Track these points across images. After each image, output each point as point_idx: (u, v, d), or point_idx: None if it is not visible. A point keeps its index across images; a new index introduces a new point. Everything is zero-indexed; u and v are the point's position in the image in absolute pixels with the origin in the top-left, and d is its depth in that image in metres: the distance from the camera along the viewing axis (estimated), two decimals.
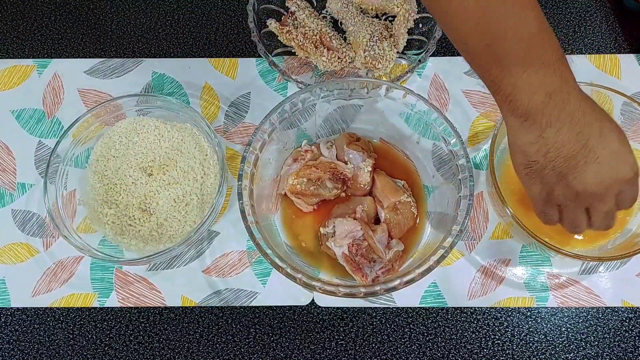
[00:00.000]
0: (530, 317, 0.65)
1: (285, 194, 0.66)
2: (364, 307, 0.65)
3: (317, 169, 0.65)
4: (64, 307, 0.66)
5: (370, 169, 0.66)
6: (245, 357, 0.64)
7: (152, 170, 0.67)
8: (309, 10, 0.75)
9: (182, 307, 0.66)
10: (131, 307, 0.66)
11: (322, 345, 0.64)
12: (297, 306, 0.65)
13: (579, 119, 0.46)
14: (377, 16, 0.77)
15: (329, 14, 0.77)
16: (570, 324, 0.64)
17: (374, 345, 0.64)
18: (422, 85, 0.75)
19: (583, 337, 0.64)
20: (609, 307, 0.65)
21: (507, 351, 0.63)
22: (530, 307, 0.65)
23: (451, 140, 0.61)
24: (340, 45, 0.73)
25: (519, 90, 0.46)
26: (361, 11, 0.76)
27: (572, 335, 0.64)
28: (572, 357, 0.63)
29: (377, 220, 0.66)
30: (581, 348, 0.63)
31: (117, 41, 0.78)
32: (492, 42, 0.46)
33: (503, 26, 0.45)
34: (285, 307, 0.65)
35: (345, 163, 0.67)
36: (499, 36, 0.45)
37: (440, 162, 0.66)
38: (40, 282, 0.66)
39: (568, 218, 0.53)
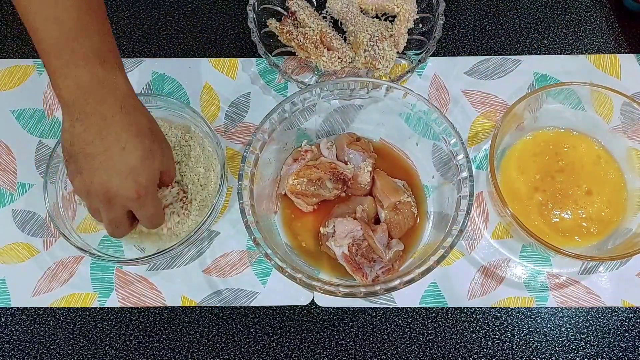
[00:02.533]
0: (530, 317, 0.65)
1: (285, 194, 0.66)
2: (364, 307, 0.65)
3: (317, 169, 0.65)
4: (64, 307, 0.66)
5: (370, 169, 0.66)
6: (245, 357, 0.64)
7: None
8: (309, 10, 0.75)
9: (182, 307, 0.66)
10: (131, 307, 0.66)
11: (322, 345, 0.64)
12: (297, 306, 0.65)
13: (109, 125, 0.49)
14: (377, 16, 0.77)
15: (329, 14, 0.77)
16: (570, 324, 0.64)
17: (374, 345, 0.64)
18: (422, 85, 0.75)
19: (583, 337, 0.64)
20: (608, 307, 0.65)
21: (507, 351, 0.63)
22: (530, 307, 0.65)
23: (451, 140, 0.61)
24: (340, 45, 0.73)
25: (54, 75, 0.49)
26: (361, 11, 0.76)
27: (572, 335, 0.64)
28: (572, 357, 0.63)
29: (377, 220, 0.66)
30: (581, 348, 0.63)
31: (117, 41, 0.78)
32: (31, 28, 0.48)
33: (40, 15, 0.47)
34: (285, 307, 0.65)
35: (345, 163, 0.67)
36: (35, 25, 0.47)
37: (440, 162, 0.66)
38: (40, 282, 0.66)
39: (90, 209, 0.56)
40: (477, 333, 0.64)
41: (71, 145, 0.51)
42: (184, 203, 0.65)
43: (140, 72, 0.76)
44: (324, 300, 0.65)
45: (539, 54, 0.77)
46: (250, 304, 0.65)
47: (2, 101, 0.75)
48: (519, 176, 0.67)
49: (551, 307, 0.65)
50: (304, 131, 0.70)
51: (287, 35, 0.73)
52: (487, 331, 0.64)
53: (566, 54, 0.77)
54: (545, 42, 0.78)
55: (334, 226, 0.63)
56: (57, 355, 0.64)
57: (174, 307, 0.66)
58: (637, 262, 0.66)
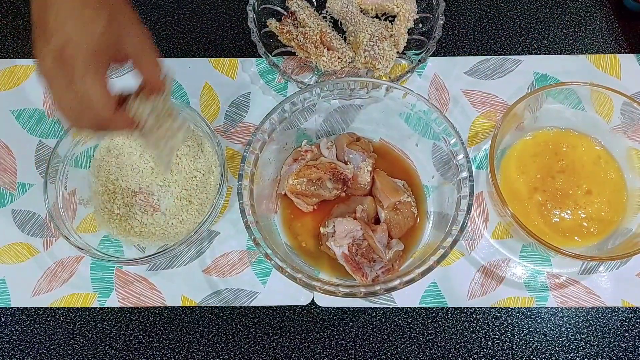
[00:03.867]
0: (530, 317, 0.65)
1: (285, 194, 0.66)
2: (364, 307, 0.65)
3: (317, 169, 0.65)
4: (64, 307, 0.66)
5: (370, 169, 0.66)
6: (245, 357, 0.64)
7: (153, 170, 0.67)
8: (309, 10, 0.75)
9: (182, 307, 0.66)
10: (131, 307, 0.66)
11: (322, 345, 0.64)
12: (297, 306, 0.65)
13: None
14: (377, 16, 0.77)
15: (329, 14, 0.77)
16: (570, 324, 0.64)
17: (374, 345, 0.64)
18: (422, 85, 0.75)
19: (583, 337, 0.64)
20: (609, 307, 0.65)
21: (507, 351, 0.63)
22: (530, 307, 0.65)
23: (451, 140, 0.61)
24: (340, 45, 0.73)
25: None
26: (361, 11, 0.76)
27: (572, 335, 0.64)
28: (572, 357, 0.63)
29: (377, 220, 0.66)
30: (581, 348, 0.63)
31: None
32: None
33: None
34: (285, 307, 0.65)
35: (345, 163, 0.67)
36: None
37: (440, 162, 0.66)
38: (40, 282, 0.66)
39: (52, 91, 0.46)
40: (477, 333, 0.64)
41: (32, 20, 0.45)
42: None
43: None
44: (324, 300, 0.65)
45: (539, 54, 0.77)
46: (250, 304, 0.65)
47: (2, 101, 0.75)
48: (519, 176, 0.67)
49: (551, 307, 0.65)
50: (304, 131, 0.70)
51: (287, 35, 0.73)
52: (487, 331, 0.64)
53: (566, 54, 0.77)
54: (545, 42, 0.78)
55: (334, 226, 0.63)
56: (57, 355, 0.64)
57: (174, 307, 0.66)
58: (637, 262, 0.66)
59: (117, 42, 0.46)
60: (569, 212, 0.65)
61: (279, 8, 0.77)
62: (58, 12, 0.44)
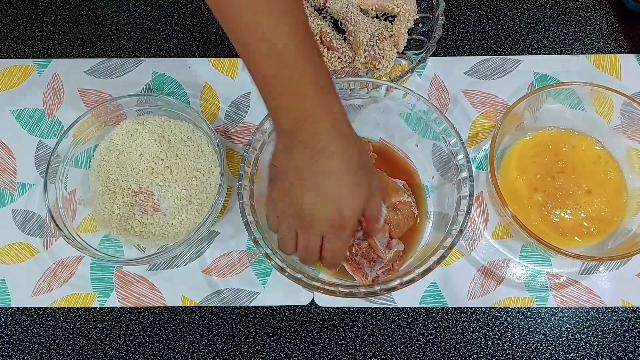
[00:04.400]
0: (530, 317, 0.65)
1: None
2: (364, 307, 0.65)
3: None
4: (64, 307, 0.66)
5: None
6: (245, 357, 0.64)
7: (153, 170, 0.67)
8: (309, 10, 0.75)
9: (182, 307, 0.66)
10: (131, 307, 0.66)
11: (322, 345, 0.64)
12: (297, 306, 0.65)
13: (322, 153, 0.48)
14: (377, 16, 0.77)
15: (329, 14, 0.77)
16: (570, 324, 0.64)
17: (374, 345, 0.64)
18: (422, 85, 0.75)
19: (583, 337, 0.64)
20: (609, 307, 0.65)
21: (507, 351, 0.63)
22: (530, 307, 0.65)
23: (451, 140, 0.61)
24: (340, 45, 0.73)
25: (270, 102, 0.49)
26: (361, 11, 0.76)
27: (572, 335, 0.64)
28: (572, 357, 0.63)
29: None
30: (581, 348, 0.63)
31: (117, 41, 0.79)
32: (243, 50, 0.47)
33: (252, 36, 0.45)
34: (285, 307, 0.65)
35: None
36: (248, 44, 0.46)
37: (440, 162, 0.66)
38: (40, 282, 0.66)
39: (283, 234, 0.53)
40: (477, 333, 0.64)
41: (283, 167, 0.50)
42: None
43: (140, 72, 0.76)
44: (324, 300, 0.65)
45: (539, 54, 0.77)
46: (250, 304, 0.65)
47: (2, 101, 0.75)
48: (519, 176, 0.67)
49: (551, 307, 0.65)
50: None
51: None
52: (487, 331, 0.64)
53: (566, 54, 0.77)
54: (545, 42, 0.78)
55: None
56: (57, 355, 0.64)
57: (174, 307, 0.66)
58: (637, 262, 0.66)
59: (368, 196, 0.51)
60: (569, 212, 0.65)
61: None
62: (328, 170, 0.48)
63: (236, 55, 0.77)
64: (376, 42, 0.71)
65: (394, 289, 0.55)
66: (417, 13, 0.75)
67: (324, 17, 0.77)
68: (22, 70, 0.76)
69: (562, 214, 0.65)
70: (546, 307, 0.65)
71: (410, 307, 0.65)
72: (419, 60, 0.70)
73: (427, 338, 0.64)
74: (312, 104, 0.47)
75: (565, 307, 0.65)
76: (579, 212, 0.65)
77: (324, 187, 0.48)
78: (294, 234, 0.52)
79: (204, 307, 0.65)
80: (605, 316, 0.64)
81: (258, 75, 0.47)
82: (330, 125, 0.48)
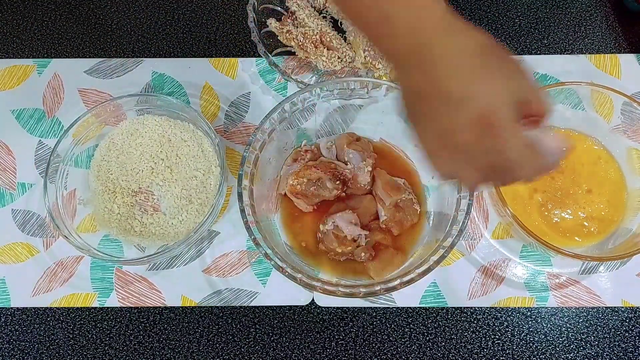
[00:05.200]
0: (530, 317, 0.65)
1: (285, 194, 0.66)
2: (364, 307, 0.65)
3: (317, 169, 0.65)
4: (64, 307, 0.66)
5: (370, 168, 0.66)
6: (245, 357, 0.64)
7: (153, 170, 0.67)
8: (309, 10, 0.75)
9: (182, 307, 0.66)
10: (131, 307, 0.66)
11: (322, 345, 0.64)
12: (297, 306, 0.65)
13: (443, 57, 0.42)
14: None
15: (329, 14, 0.77)
16: (570, 324, 0.64)
17: (374, 345, 0.64)
18: None
19: (583, 337, 0.64)
20: (609, 307, 0.65)
21: (507, 351, 0.63)
22: (530, 307, 0.65)
23: None
24: (340, 45, 0.73)
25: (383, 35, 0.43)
26: None
27: (572, 335, 0.64)
28: (572, 357, 0.63)
29: (376, 218, 0.66)
30: (581, 348, 0.63)
31: (117, 41, 0.79)
32: None
33: None
34: (285, 307, 0.65)
35: (345, 163, 0.67)
36: None
37: None
38: (40, 282, 0.66)
39: (461, 174, 0.45)
40: (477, 333, 0.64)
41: (406, 97, 0.44)
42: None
43: (140, 72, 0.76)
44: (324, 300, 0.65)
45: (539, 54, 0.77)
46: (250, 304, 0.65)
47: (2, 101, 0.75)
48: None
49: (551, 307, 0.65)
50: (304, 131, 0.70)
51: (287, 35, 0.73)
52: (487, 331, 0.64)
53: (566, 54, 0.77)
54: (545, 42, 0.78)
55: (334, 223, 0.63)
56: (57, 355, 0.64)
57: (174, 307, 0.66)
58: (637, 262, 0.66)
59: (514, 88, 0.42)
60: (569, 212, 0.65)
61: (279, 8, 0.77)
62: (460, 79, 0.41)
63: (236, 55, 0.77)
64: None
65: (394, 288, 0.55)
66: None
67: (324, 17, 0.77)
68: (22, 70, 0.76)
69: (562, 214, 0.65)
70: (546, 307, 0.65)
71: (410, 307, 0.65)
72: None
73: (427, 338, 0.64)
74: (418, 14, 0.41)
75: (565, 307, 0.65)
76: (579, 212, 0.65)
77: (450, 94, 0.41)
78: (467, 165, 0.43)
79: (204, 307, 0.65)
80: (605, 316, 0.64)
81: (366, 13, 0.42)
82: (439, 24, 0.42)
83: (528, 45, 0.77)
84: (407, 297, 0.65)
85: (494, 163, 0.42)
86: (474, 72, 0.41)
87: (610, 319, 0.64)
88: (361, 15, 0.44)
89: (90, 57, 0.77)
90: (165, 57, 0.77)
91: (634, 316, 0.64)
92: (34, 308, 0.66)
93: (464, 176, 0.44)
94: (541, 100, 0.43)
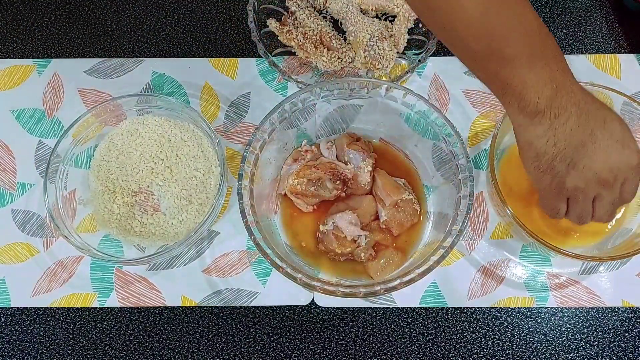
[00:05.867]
0: (530, 317, 0.65)
1: (285, 194, 0.66)
2: (364, 307, 0.65)
3: (317, 169, 0.65)
4: (64, 307, 0.66)
5: (370, 168, 0.66)
6: (245, 357, 0.64)
7: (153, 170, 0.67)
8: (309, 10, 0.75)
9: (182, 307, 0.66)
10: (131, 307, 0.66)
11: (322, 345, 0.64)
12: (297, 306, 0.65)
13: (583, 109, 0.48)
14: (377, 16, 0.77)
15: (329, 14, 0.77)
16: (570, 324, 0.64)
17: (374, 345, 0.64)
18: (422, 85, 0.75)
19: (583, 337, 0.64)
20: (609, 307, 0.65)
21: (507, 351, 0.63)
22: (530, 307, 0.65)
23: (451, 140, 0.61)
24: (340, 45, 0.73)
25: (529, 88, 0.47)
26: (361, 11, 0.76)
27: (572, 335, 0.64)
28: (572, 357, 0.63)
29: (377, 219, 0.66)
30: (581, 348, 0.63)
31: (117, 41, 0.79)
32: (498, 43, 0.46)
33: (507, 26, 0.46)
34: (285, 307, 0.65)
35: (345, 163, 0.67)
36: (503, 36, 0.46)
37: (440, 162, 0.66)
38: (40, 282, 0.66)
39: (576, 209, 0.54)
40: (477, 333, 0.64)
41: (554, 146, 0.49)
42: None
43: (140, 72, 0.76)
44: (324, 300, 0.65)
45: None
46: (250, 304, 0.65)
47: (2, 101, 0.75)
48: (519, 176, 0.67)
49: (551, 307, 0.65)
50: (304, 131, 0.70)
51: (287, 35, 0.73)
52: (487, 331, 0.64)
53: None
54: None
55: (334, 223, 0.63)
56: (57, 355, 0.64)
57: (174, 307, 0.66)
58: (637, 262, 0.66)
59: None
60: None
61: (279, 8, 0.77)
62: (598, 132, 0.49)
63: (236, 55, 0.77)
64: (376, 42, 0.71)
65: (394, 288, 0.55)
66: None
67: (324, 17, 0.77)
68: (22, 70, 0.76)
69: None
70: (546, 307, 0.65)
71: (410, 307, 0.65)
72: (419, 60, 0.70)
73: (427, 338, 0.64)
74: (561, 69, 0.48)
75: (565, 307, 0.65)
76: None
77: (603, 140, 0.49)
78: (590, 206, 0.53)
79: (204, 307, 0.65)
80: (605, 316, 0.64)
81: (511, 62, 0.47)
82: (577, 84, 0.49)
83: None
84: (407, 297, 0.65)
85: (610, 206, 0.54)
86: (618, 140, 0.50)
87: (610, 319, 0.64)
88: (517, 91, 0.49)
89: (90, 57, 0.77)
90: (165, 57, 0.77)
91: (634, 316, 0.64)
92: (34, 308, 0.66)
93: (584, 213, 0.55)
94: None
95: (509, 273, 0.66)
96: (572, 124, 0.48)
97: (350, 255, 0.64)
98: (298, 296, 0.65)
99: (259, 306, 0.65)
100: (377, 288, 0.55)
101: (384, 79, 0.73)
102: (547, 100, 0.47)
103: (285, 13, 0.76)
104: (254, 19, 0.71)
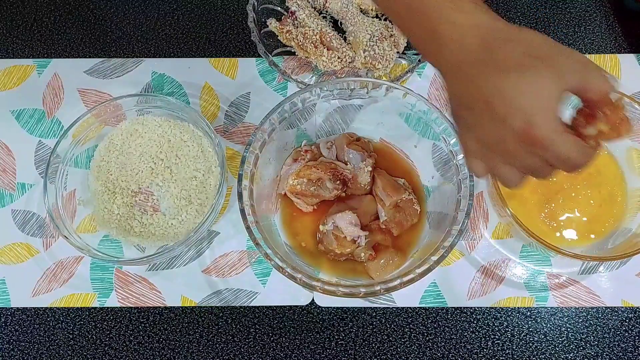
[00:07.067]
0: (530, 317, 0.65)
1: (285, 194, 0.66)
2: (364, 307, 0.65)
3: (317, 169, 0.65)
4: (64, 307, 0.66)
5: (370, 168, 0.66)
6: (245, 357, 0.64)
7: (153, 170, 0.67)
8: (309, 10, 0.75)
9: (182, 307, 0.66)
10: (131, 307, 0.66)
11: (322, 345, 0.64)
12: (297, 306, 0.65)
13: (487, 62, 0.42)
14: (377, 16, 0.77)
15: (329, 14, 0.77)
16: (570, 324, 0.64)
17: (374, 345, 0.64)
18: (422, 85, 0.74)
19: (583, 337, 0.64)
20: (609, 307, 0.65)
21: (507, 351, 0.63)
22: (530, 307, 0.65)
23: (451, 140, 0.61)
24: (340, 45, 0.73)
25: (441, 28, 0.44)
26: (361, 11, 0.76)
27: (572, 335, 0.64)
28: (572, 357, 0.63)
29: (377, 219, 0.66)
30: (581, 348, 0.63)
31: (117, 41, 0.78)
32: None
33: None
34: (285, 307, 0.65)
35: (345, 163, 0.67)
36: None
37: (440, 162, 0.66)
38: (40, 282, 0.66)
39: (499, 174, 0.46)
40: (477, 333, 0.64)
41: (453, 101, 0.45)
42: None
43: (140, 72, 0.76)
44: (324, 300, 0.65)
45: None
46: (250, 304, 0.65)
47: (2, 101, 0.74)
48: None
49: (551, 307, 0.65)
50: (304, 131, 0.70)
51: (287, 35, 0.73)
52: (487, 331, 0.64)
53: None
54: None
55: (334, 223, 0.63)
56: (57, 355, 0.64)
57: (173, 307, 0.66)
58: (637, 262, 0.66)
59: (560, 83, 0.42)
60: (569, 212, 0.65)
61: (279, 8, 0.77)
62: (503, 97, 0.41)
63: (236, 55, 0.77)
64: (376, 42, 0.71)
65: (394, 288, 0.55)
66: None
67: (324, 17, 0.77)
68: (22, 70, 0.76)
69: (562, 214, 0.65)
70: (546, 307, 0.65)
71: (410, 307, 0.65)
72: (419, 60, 0.70)
73: (427, 338, 0.64)
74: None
75: (565, 307, 0.65)
76: (579, 212, 0.65)
77: (492, 108, 0.41)
78: (505, 165, 0.45)
79: (204, 307, 0.65)
80: (605, 316, 0.64)
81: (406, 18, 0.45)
82: (479, 40, 0.42)
83: None
84: (407, 297, 0.65)
85: (536, 166, 0.43)
86: (517, 86, 0.41)
87: (610, 319, 0.64)
88: (411, 31, 0.46)
89: (90, 57, 0.77)
90: (165, 57, 0.77)
91: (634, 316, 0.64)
92: (34, 308, 0.66)
93: (504, 177, 0.46)
94: (597, 82, 0.43)
95: (509, 273, 0.66)
96: (480, 74, 0.42)
97: (350, 255, 0.64)
98: (298, 296, 0.65)
99: (259, 306, 0.65)
100: (377, 288, 0.55)
101: (384, 79, 0.73)
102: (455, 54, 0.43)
103: (285, 13, 0.76)
104: (254, 19, 0.71)
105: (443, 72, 0.46)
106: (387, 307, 0.65)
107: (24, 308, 0.66)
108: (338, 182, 0.66)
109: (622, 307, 0.65)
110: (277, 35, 0.74)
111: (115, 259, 0.63)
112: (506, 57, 0.42)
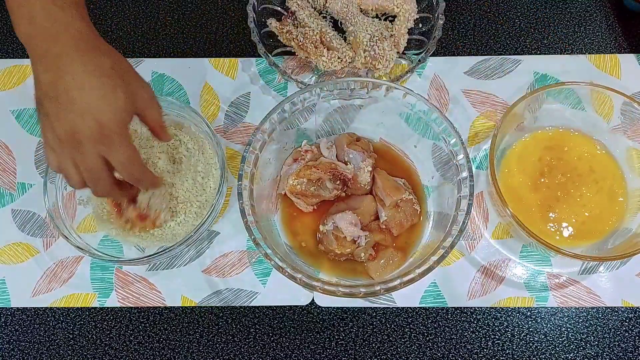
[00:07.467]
0: (530, 317, 0.65)
1: (285, 194, 0.66)
2: (364, 307, 0.65)
3: (318, 169, 0.65)
4: (64, 307, 0.66)
5: (370, 168, 0.66)
6: (245, 357, 0.64)
7: (153, 170, 0.67)
8: (309, 10, 0.75)
9: (182, 307, 0.66)
10: (131, 307, 0.66)
11: (322, 345, 0.64)
12: (297, 306, 0.65)
13: (66, 65, 0.47)
14: (377, 16, 0.77)
15: (329, 14, 0.77)
16: (570, 324, 0.64)
17: (374, 345, 0.64)
18: (422, 85, 0.75)
19: (583, 337, 0.64)
20: (609, 307, 0.65)
21: (507, 351, 0.63)
22: (530, 307, 0.65)
23: (451, 140, 0.61)
24: (340, 45, 0.73)
25: (12, 13, 0.48)
26: (361, 11, 0.76)
27: (572, 335, 0.64)
28: (572, 357, 0.63)
29: (377, 219, 0.66)
30: (581, 348, 0.63)
31: (117, 41, 0.78)
32: None
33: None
34: (285, 307, 0.65)
35: (346, 163, 0.67)
36: None
37: (440, 162, 0.66)
38: (40, 282, 0.66)
39: (61, 168, 0.51)
40: (477, 333, 0.64)
41: (37, 90, 0.49)
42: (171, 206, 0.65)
43: (140, 72, 0.74)
44: (324, 300, 0.65)
45: (539, 54, 0.77)
46: (250, 304, 0.65)
47: (2, 101, 0.75)
48: (519, 176, 0.67)
49: (551, 307, 0.65)
50: (304, 131, 0.70)
51: (287, 35, 0.73)
52: (487, 331, 0.64)
53: (566, 54, 0.77)
54: (545, 42, 0.78)
55: (334, 223, 0.63)
56: (57, 355, 0.64)
57: (173, 307, 0.66)
58: (637, 262, 0.66)
59: (133, 103, 0.51)
60: (569, 212, 0.65)
61: (279, 8, 0.77)
62: (73, 84, 0.47)
63: (236, 55, 0.77)
64: (376, 42, 0.71)
65: (394, 288, 0.55)
66: (417, 13, 0.75)
67: (324, 17, 0.77)
68: (22, 70, 0.76)
69: (562, 214, 0.65)
70: (546, 307, 0.65)
71: (410, 307, 0.65)
72: (419, 60, 0.70)
73: (427, 338, 0.64)
74: (46, 13, 0.47)
75: (565, 307, 0.65)
76: (579, 212, 0.65)
77: (74, 103, 0.47)
78: (72, 163, 0.49)
79: (204, 307, 0.65)
80: (605, 316, 0.64)
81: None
82: (67, 36, 0.48)
83: (528, 45, 0.77)
84: (407, 297, 0.65)
85: (96, 168, 0.49)
86: (101, 90, 0.48)
87: (610, 319, 0.64)
88: (12, 9, 0.49)
89: None
90: (165, 57, 0.77)
91: (634, 316, 0.64)
92: (34, 308, 0.66)
93: (67, 172, 0.51)
94: (153, 109, 0.53)
95: (509, 273, 0.66)
96: (49, 75, 0.48)
97: (350, 255, 0.64)
98: (298, 296, 0.65)
99: (259, 306, 0.65)
100: (377, 288, 0.55)
101: (384, 79, 0.73)
102: (27, 38, 0.48)
103: (285, 13, 0.76)
104: (254, 19, 0.71)
105: (32, 56, 0.48)
106: (387, 307, 0.65)
107: (24, 308, 0.66)
108: (338, 182, 0.66)
109: (622, 307, 0.65)
110: (277, 35, 0.74)
111: (115, 259, 0.63)
112: (99, 63, 0.49)
